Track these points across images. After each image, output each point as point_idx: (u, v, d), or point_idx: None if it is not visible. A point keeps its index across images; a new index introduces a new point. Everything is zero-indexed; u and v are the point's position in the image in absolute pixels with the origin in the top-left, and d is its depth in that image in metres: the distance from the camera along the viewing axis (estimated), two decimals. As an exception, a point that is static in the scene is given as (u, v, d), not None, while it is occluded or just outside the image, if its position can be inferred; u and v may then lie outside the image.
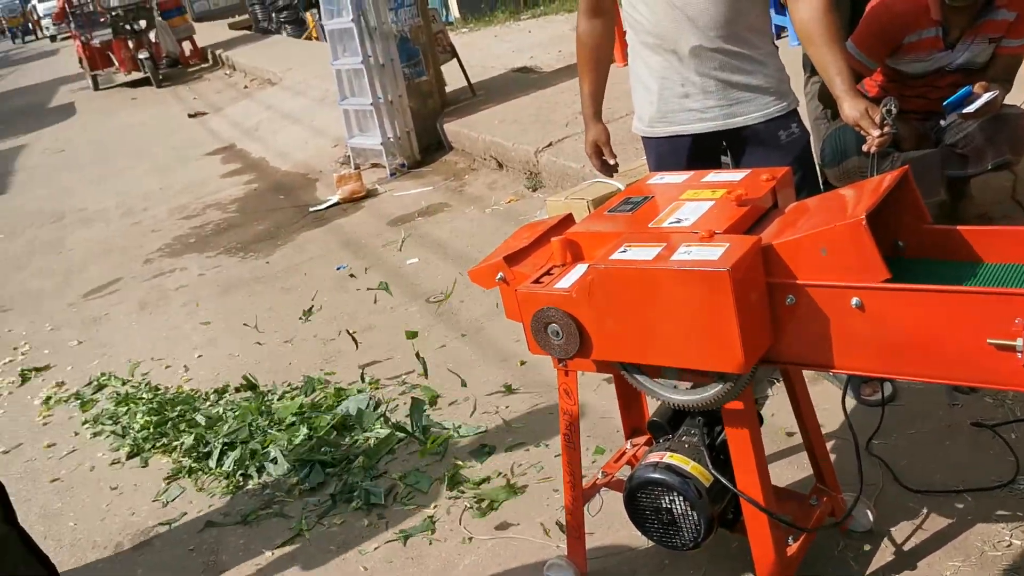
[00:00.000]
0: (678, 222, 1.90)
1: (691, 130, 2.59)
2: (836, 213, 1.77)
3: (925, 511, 2.32)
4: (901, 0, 2.88)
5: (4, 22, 43.68)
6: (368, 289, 4.59)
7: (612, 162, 2.76)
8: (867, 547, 2.25)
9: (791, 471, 2.60)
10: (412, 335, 3.87)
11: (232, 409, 3.62)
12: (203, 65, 16.84)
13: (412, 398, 3.36)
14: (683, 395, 1.89)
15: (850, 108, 2.32)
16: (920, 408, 2.70)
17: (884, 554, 2.21)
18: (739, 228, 1.85)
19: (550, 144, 5.61)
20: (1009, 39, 2.90)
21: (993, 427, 2.50)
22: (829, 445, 2.66)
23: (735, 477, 1.96)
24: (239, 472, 3.18)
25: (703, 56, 2.49)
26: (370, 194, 6.45)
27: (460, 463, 2.99)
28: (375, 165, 7.01)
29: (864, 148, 2.33)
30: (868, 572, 2.18)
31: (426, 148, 7.03)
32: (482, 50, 10.35)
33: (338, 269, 5.10)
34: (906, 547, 2.22)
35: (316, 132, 8.72)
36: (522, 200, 5.53)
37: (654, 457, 2.09)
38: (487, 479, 2.87)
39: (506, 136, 6.09)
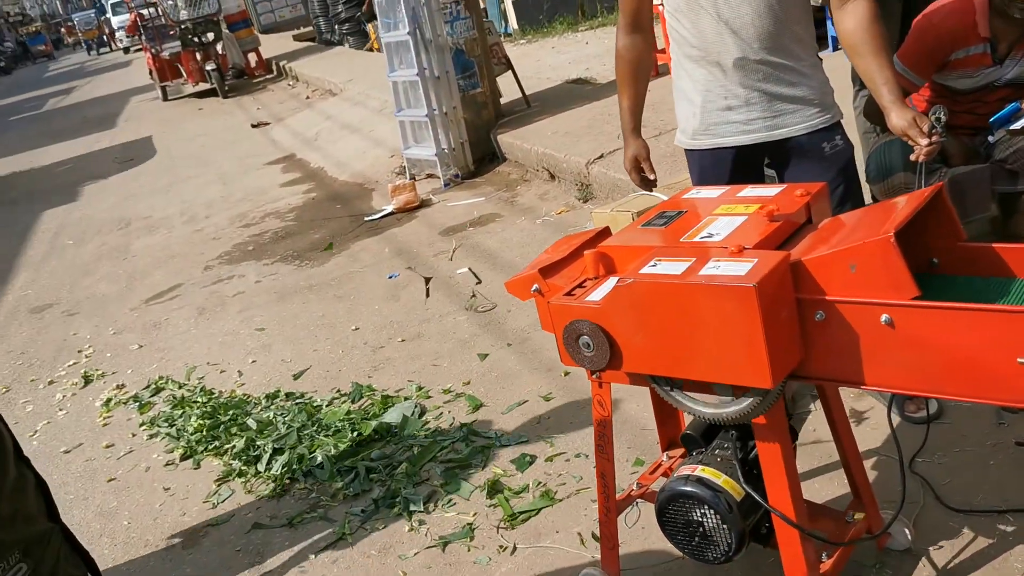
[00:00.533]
0: (709, 237, 1.91)
1: (734, 142, 2.59)
2: (867, 229, 1.76)
3: (966, 531, 2.29)
4: (948, 17, 2.85)
5: (81, 34, 45.29)
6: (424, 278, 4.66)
7: (652, 177, 2.77)
8: (904, 566, 2.23)
9: (831, 487, 2.59)
10: (483, 357, 3.90)
11: (282, 414, 3.71)
12: (268, 76, 17.23)
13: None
14: (712, 409, 1.90)
15: (898, 118, 2.31)
16: (965, 426, 2.65)
17: (921, 574, 2.19)
18: (770, 243, 1.86)
19: (601, 156, 5.63)
20: (1061, 52, 2.84)
21: (1037, 447, 2.45)
22: (872, 462, 2.65)
23: (767, 492, 1.96)
24: (286, 476, 3.26)
25: (747, 68, 2.50)
26: (424, 204, 6.53)
27: (500, 472, 3.03)
28: (430, 175, 7.11)
29: (912, 157, 2.32)
30: (904, 591, 2.16)
31: (480, 159, 7.10)
32: (539, 61, 10.42)
33: (390, 278, 5.18)
34: (945, 567, 2.19)
35: (374, 143, 8.86)
36: (573, 211, 5.56)
37: (686, 470, 2.10)
38: (526, 488, 2.91)
39: (558, 148, 6.13)
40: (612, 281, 1.97)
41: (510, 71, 7.70)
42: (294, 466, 3.29)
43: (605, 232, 2.29)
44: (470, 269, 4.49)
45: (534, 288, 2.15)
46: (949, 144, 2.99)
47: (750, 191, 2.13)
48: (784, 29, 2.46)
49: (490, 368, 3.78)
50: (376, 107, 10.09)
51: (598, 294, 1.95)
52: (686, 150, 2.72)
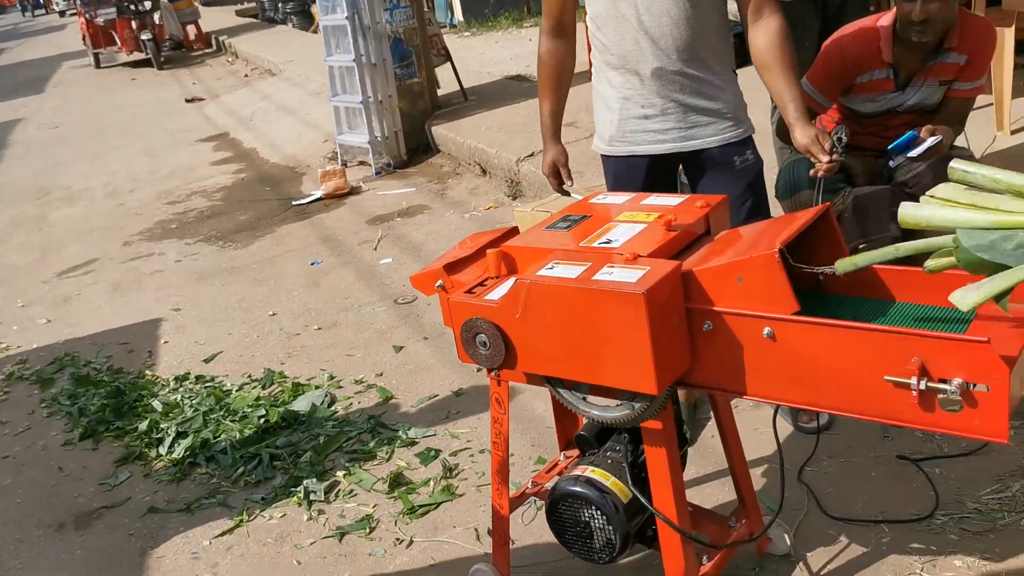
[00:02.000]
0: (608, 243, 1.95)
1: (649, 151, 2.64)
2: (756, 244, 1.82)
3: (843, 539, 2.37)
4: (854, 41, 2.94)
5: (16, -6, 43.80)
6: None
7: (568, 184, 2.81)
8: (782, 570, 2.30)
9: (724, 492, 2.65)
10: (398, 349, 3.89)
11: (190, 397, 3.66)
12: (206, 50, 16.88)
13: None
14: (602, 411, 1.94)
15: (801, 135, 2.38)
16: (852, 438, 2.75)
17: (796, 579, 2.26)
18: (665, 252, 1.90)
19: (532, 154, 5.66)
20: (960, 83, 2.95)
21: (916, 461, 2.55)
22: (762, 469, 2.72)
23: (652, 495, 2.01)
24: (188, 460, 3.22)
25: (664, 78, 2.54)
26: (354, 191, 6.49)
27: (404, 464, 3.04)
28: (362, 163, 7.06)
29: (811, 172, 2.39)
30: (779, 595, 2.23)
31: (414, 149, 7.08)
32: (481, 55, 10.42)
33: (312, 264, 5.14)
34: (819, 573, 2.27)
35: (309, 126, 8.76)
36: (501, 207, 5.58)
37: (577, 471, 2.14)
38: (428, 482, 2.92)
39: (491, 143, 6.15)
40: (511, 281, 1.99)
41: (449, 63, 7.68)
42: (197, 451, 3.25)
43: (513, 231, 2.31)
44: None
45: (438, 284, 2.16)
46: (854, 164, 3.08)
47: (654, 200, 2.18)
48: (702, 42, 2.51)
49: (404, 360, 3.78)
50: (314, 90, 9.97)
51: (497, 293, 1.97)
52: (602, 155, 2.76)
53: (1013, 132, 4.49)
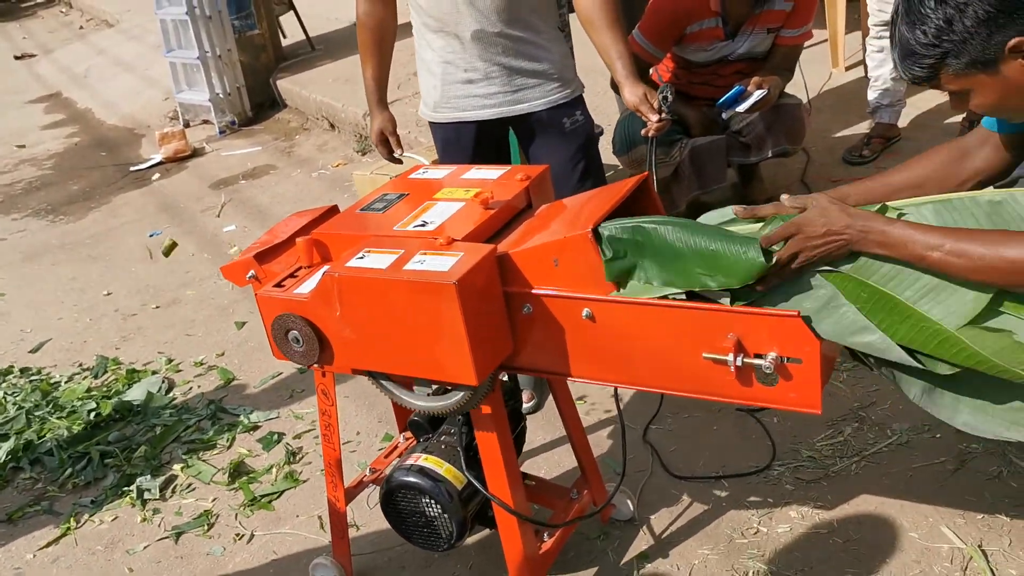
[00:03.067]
0: (423, 225, 1.85)
1: (475, 116, 2.54)
2: (573, 222, 1.75)
3: (686, 498, 2.39)
4: (683, -10, 2.91)
5: None
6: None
7: (398, 152, 2.69)
8: (627, 535, 2.30)
9: (573, 458, 2.63)
10: (240, 325, 3.69)
11: (13, 393, 3.40)
12: (38, 0, 15.68)
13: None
14: (426, 402, 1.87)
15: (630, 93, 2.33)
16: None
17: (640, 543, 2.27)
18: (483, 233, 1.82)
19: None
20: (787, 29, 2.97)
21: (752, 411, 2.59)
22: (609, 430, 2.72)
23: (486, 479, 1.95)
24: (10, 464, 2.99)
25: (486, 41, 2.44)
26: (196, 153, 6.16)
27: (246, 452, 2.90)
28: (206, 122, 6.70)
29: (643, 132, 2.35)
30: (623, 561, 2.23)
31: (259, 105, 6.76)
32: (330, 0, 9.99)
33: (151, 236, 4.85)
34: (663, 535, 2.28)
35: (149, 83, 8.24)
36: (351, 164, 5.39)
37: (411, 459, 2.07)
38: (270, 469, 2.80)
39: (337, 96, 5.91)
40: (323, 272, 1.87)
41: (292, 11, 7.33)
42: (19, 454, 3.02)
43: (332, 211, 2.18)
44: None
45: (250, 275, 2.03)
46: (689, 114, 3.08)
47: (474, 173, 2.09)
48: (522, 1, 2.41)
49: (247, 337, 3.61)
50: (154, 43, 9.33)
51: (308, 286, 1.85)
52: (429, 122, 2.65)
53: (848, 68, 4.59)
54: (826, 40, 4.60)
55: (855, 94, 4.29)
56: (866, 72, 3.76)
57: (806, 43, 3.17)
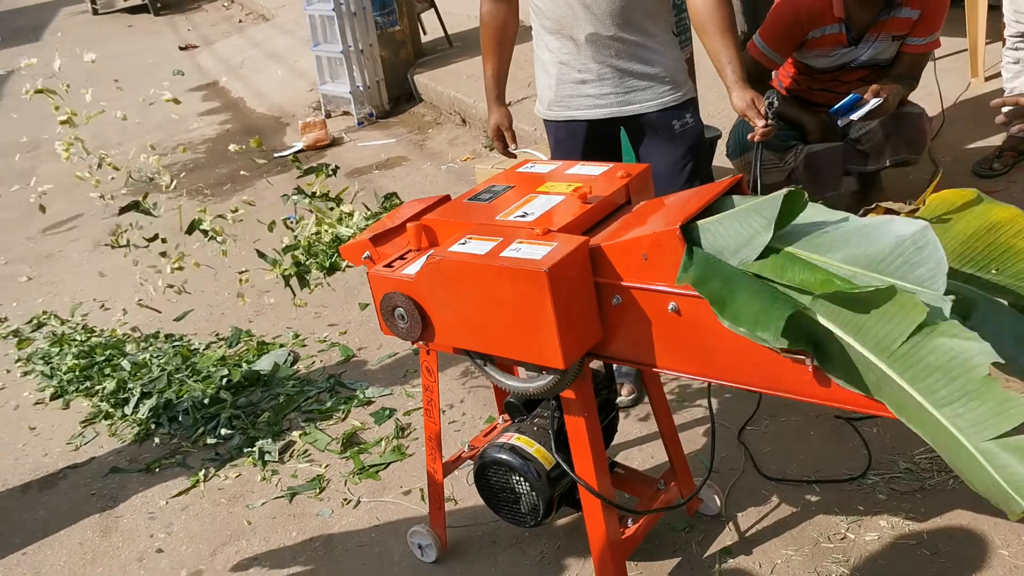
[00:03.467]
0: (524, 216, 1.95)
1: (587, 116, 2.63)
2: (664, 218, 1.82)
3: (775, 499, 2.41)
4: (805, -4, 2.90)
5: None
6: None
7: (512, 147, 2.80)
8: (712, 530, 2.35)
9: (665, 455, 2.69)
10: (363, 307, 3.92)
11: (158, 356, 3.71)
12: (203, -6, 16.68)
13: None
14: (517, 382, 1.97)
15: (738, 99, 2.37)
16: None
17: (725, 538, 2.31)
18: (579, 225, 1.90)
19: (509, 103, 5.59)
20: (913, 37, 2.91)
21: (850, 420, 2.58)
22: (705, 428, 2.76)
23: (573, 462, 2.05)
24: (151, 420, 3.28)
25: (599, 44, 2.52)
26: (335, 142, 6.47)
27: (359, 424, 3.09)
28: (345, 113, 7.03)
29: (748, 137, 2.38)
30: (706, 554, 2.28)
31: (397, 98, 7.03)
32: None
33: (286, 220, 5.13)
34: (748, 533, 2.32)
35: (297, 74, 8.69)
36: (479, 158, 5.55)
37: (503, 438, 2.18)
38: (380, 441, 2.98)
39: (469, 92, 6.09)
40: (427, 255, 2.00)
41: (433, 8, 7.58)
42: (160, 411, 3.31)
43: (444, 200, 2.32)
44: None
45: (365, 255, 2.18)
46: (807, 120, 3.06)
47: (578, 168, 2.17)
48: (636, 6, 2.48)
49: (369, 318, 3.81)
50: (304, 37, 9.81)
51: (414, 267, 1.99)
52: (544, 120, 2.75)
53: (988, 78, 4.42)
54: (966, 49, 4.44)
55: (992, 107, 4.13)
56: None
57: (942, 52, 3.10)
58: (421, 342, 2.02)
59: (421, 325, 1.96)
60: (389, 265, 2.04)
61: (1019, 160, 3.53)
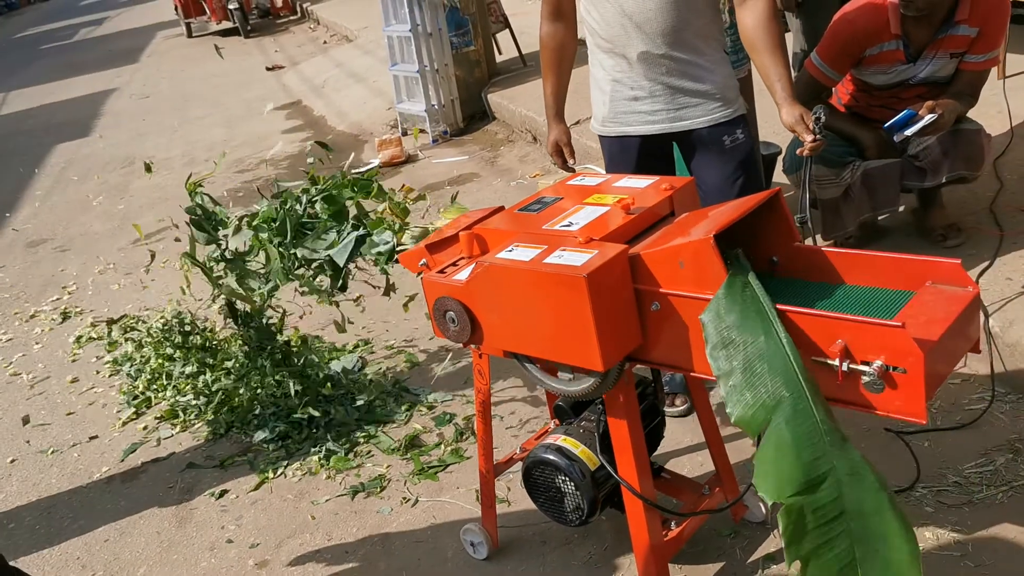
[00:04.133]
0: (569, 225, 2.05)
1: (639, 131, 2.71)
2: (702, 229, 1.90)
3: (820, 509, 2.43)
4: (863, 13, 2.93)
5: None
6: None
7: (571, 162, 2.91)
8: (757, 536, 2.39)
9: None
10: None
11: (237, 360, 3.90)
12: (291, 17, 17.26)
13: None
14: (561, 385, 2.06)
15: (787, 115, 2.42)
16: (845, 410, 2.78)
17: (769, 544, 2.35)
18: (622, 235, 1.99)
19: (577, 122, 5.71)
20: (972, 55, 2.91)
21: (902, 434, 2.59)
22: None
23: (616, 463, 2.12)
24: (227, 420, 3.46)
25: (651, 62, 2.61)
26: (410, 159, 6.67)
27: (420, 428, 3.22)
28: (421, 131, 7.22)
29: (797, 152, 2.44)
30: (750, 559, 2.32)
31: (471, 116, 7.21)
32: (548, 17, 10.39)
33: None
34: (791, 541, 2.34)
35: (375, 93, 8.96)
36: (547, 175, 5.66)
37: (550, 439, 2.28)
38: (440, 444, 3.09)
39: (540, 111, 6.16)
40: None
41: (507, 29, 7.75)
42: (235, 411, 3.49)
43: (499, 210, 2.43)
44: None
45: (421, 263, 2.31)
46: (864, 137, 3.08)
47: (625, 181, 2.26)
48: (687, 25, 2.56)
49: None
50: (383, 57, 10.10)
51: (464, 274, 2.10)
52: (599, 136, 2.84)
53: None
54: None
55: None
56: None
57: (1012, 70, 3.08)
58: (472, 345, 2.14)
59: (471, 328, 2.07)
60: (442, 271, 2.16)
61: (1089, 177, 3.47)
